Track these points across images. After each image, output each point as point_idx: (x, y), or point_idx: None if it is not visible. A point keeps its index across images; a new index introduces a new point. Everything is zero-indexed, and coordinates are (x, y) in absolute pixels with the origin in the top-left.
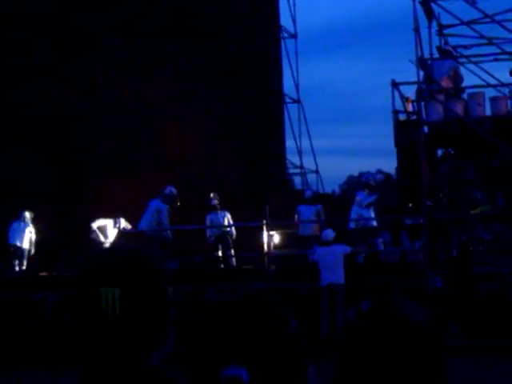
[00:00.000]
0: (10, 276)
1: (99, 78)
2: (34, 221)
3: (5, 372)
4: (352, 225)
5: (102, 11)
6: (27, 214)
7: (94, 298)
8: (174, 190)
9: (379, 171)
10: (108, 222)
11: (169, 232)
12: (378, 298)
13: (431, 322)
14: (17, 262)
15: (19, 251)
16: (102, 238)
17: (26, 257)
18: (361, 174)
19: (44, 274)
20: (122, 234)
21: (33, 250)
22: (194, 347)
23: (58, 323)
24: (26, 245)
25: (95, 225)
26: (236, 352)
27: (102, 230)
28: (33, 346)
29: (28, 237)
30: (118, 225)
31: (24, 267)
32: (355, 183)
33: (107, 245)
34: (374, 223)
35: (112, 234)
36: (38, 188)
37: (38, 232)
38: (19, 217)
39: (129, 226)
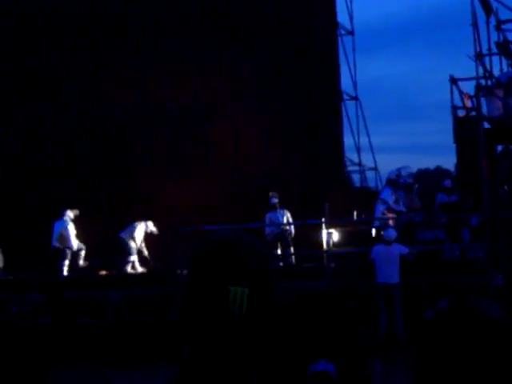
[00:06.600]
0: (70, 275)
1: (154, 77)
2: (80, 219)
3: (66, 371)
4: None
5: (153, 11)
6: (69, 213)
7: (221, 296)
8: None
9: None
10: (140, 225)
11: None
12: (455, 297)
13: (509, 320)
14: (66, 262)
15: (62, 252)
16: (130, 241)
17: (67, 257)
18: (419, 171)
19: (103, 272)
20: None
21: (74, 247)
22: (281, 343)
23: (119, 322)
24: (63, 244)
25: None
26: (323, 347)
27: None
28: (94, 344)
29: (64, 236)
30: (146, 228)
31: (67, 267)
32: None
33: (134, 246)
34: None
35: (140, 236)
36: (91, 187)
37: (92, 232)
38: (61, 216)
39: (154, 230)
